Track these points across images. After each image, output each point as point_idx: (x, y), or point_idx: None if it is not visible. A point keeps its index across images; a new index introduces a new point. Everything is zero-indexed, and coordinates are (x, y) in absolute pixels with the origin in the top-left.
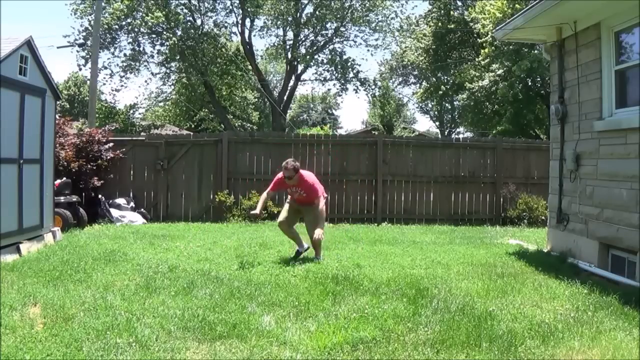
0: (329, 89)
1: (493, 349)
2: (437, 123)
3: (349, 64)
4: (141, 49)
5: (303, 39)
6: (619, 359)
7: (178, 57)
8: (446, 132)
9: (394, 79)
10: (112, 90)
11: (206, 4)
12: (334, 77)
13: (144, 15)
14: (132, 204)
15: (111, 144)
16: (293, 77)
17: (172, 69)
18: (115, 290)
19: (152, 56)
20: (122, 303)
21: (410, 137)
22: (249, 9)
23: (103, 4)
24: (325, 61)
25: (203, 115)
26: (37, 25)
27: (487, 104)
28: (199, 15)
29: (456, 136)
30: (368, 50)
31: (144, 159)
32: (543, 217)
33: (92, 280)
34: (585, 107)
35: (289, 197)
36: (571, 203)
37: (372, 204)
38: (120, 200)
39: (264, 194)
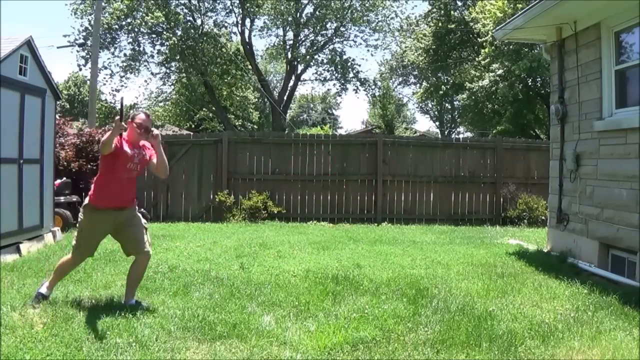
0: (328, 89)
1: (493, 349)
2: (437, 123)
3: (349, 64)
4: (141, 49)
5: (303, 39)
6: (619, 359)
7: (178, 57)
8: (446, 132)
9: (394, 79)
10: (112, 90)
11: (206, 4)
12: (334, 77)
13: (144, 15)
14: None
15: None
16: (293, 77)
17: (172, 69)
18: (115, 290)
19: (152, 56)
20: (122, 303)
21: (411, 137)
22: (249, 9)
23: (103, 4)
24: (325, 61)
25: (203, 115)
26: (37, 25)
27: (487, 104)
28: (199, 15)
29: (456, 136)
30: (368, 50)
31: None
32: (543, 217)
33: (92, 280)
34: (585, 107)
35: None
36: (571, 203)
37: (372, 204)
38: None
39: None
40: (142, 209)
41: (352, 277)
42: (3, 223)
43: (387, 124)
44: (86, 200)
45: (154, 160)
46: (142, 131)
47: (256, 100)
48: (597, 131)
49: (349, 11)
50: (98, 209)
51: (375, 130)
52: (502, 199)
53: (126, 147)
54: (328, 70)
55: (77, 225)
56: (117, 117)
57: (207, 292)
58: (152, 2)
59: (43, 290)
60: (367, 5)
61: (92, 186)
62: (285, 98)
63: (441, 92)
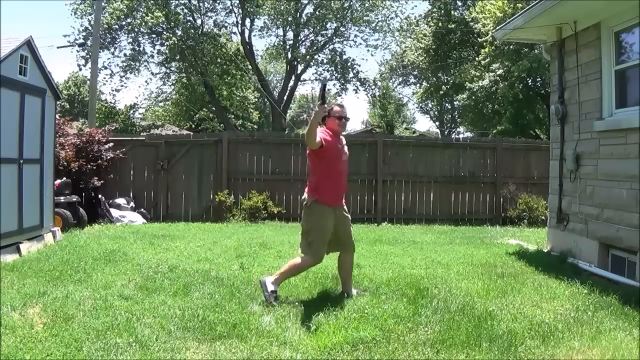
0: (329, 89)
1: (493, 349)
2: (437, 123)
3: (349, 64)
4: (141, 49)
5: (303, 39)
6: (619, 359)
7: (178, 57)
8: (446, 132)
9: (394, 79)
10: (112, 90)
11: (206, 4)
12: (333, 77)
13: (144, 15)
14: (132, 204)
15: (111, 144)
16: (293, 77)
17: (172, 69)
18: (115, 290)
19: (152, 56)
20: (122, 303)
21: (410, 137)
22: (249, 9)
23: (103, 3)
24: (325, 61)
25: (203, 115)
26: (37, 25)
27: (487, 104)
28: (199, 15)
29: (456, 136)
30: (368, 50)
31: (144, 159)
32: (543, 217)
33: (92, 280)
34: (585, 107)
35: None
36: (571, 203)
37: (372, 204)
38: (120, 200)
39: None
40: (142, 209)
41: (352, 277)
42: (3, 223)
43: (387, 124)
44: (308, 198)
45: None
46: (343, 121)
47: (256, 100)
48: (597, 131)
49: (349, 11)
50: (322, 204)
51: (375, 130)
52: (502, 199)
53: (336, 142)
54: (328, 70)
55: (304, 225)
56: (319, 102)
57: (207, 292)
58: (152, 2)
59: (271, 287)
60: (367, 5)
61: (311, 185)
62: (285, 98)
63: (441, 92)
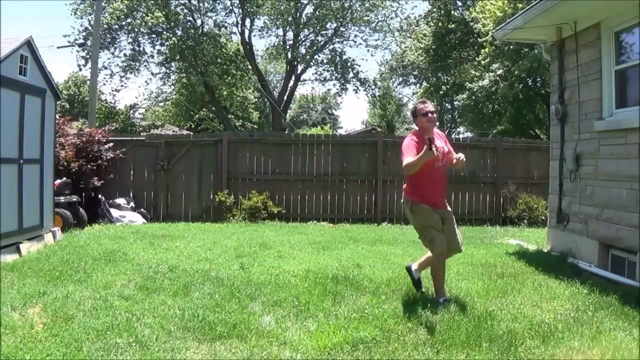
0: (329, 89)
1: (493, 349)
2: (437, 123)
3: (349, 64)
4: (141, 49)
5: (303, 39)
6: (619, 359)
7: (178, 57)
8: (446, 132)
9: (394, 79)
10: (112, 90)
11: (206, 4)
12: (333, 77)
13: (144, 15)
14: (132, 204)
15: (111, 144)
16: (293, 77)
17: (172, 69)
18: (115, 290)
19: (152, 56)
20: (122, 303)
21: None
22: (249, 9)
23: (103, 4)
24: (325, 61)
25: (203, 115)
26: (37, 25)
27: (487, 104)
28: (199, 15)
29: (456, 136)
30: (368, 50)
31: (144, 159)
32: (543, 217)
33: (92, 280)
34: (585, 107)
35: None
36: (571, 203)
37: (372, 204)
38: (120, 200)
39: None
40: (142, 209)
41: (352, 277)
42: (3, 223)
43: (387, 124)
44: (407, 201)
45: (454, 153)
46: (430, 116)
47: (256, 100)
48: (597, 131)
49: (349, 11)
50: (422, 204)
51: (377, 129)
52: (502, 199)
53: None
54: (328, 70)
55: (415, 226)
56: (427, 146)
57: (207, 292)
58: (152, 2)
59: (441, 299)
60: (367, 5)
61: (407, 190)
62: (285, 98)
63: (441, 92)
